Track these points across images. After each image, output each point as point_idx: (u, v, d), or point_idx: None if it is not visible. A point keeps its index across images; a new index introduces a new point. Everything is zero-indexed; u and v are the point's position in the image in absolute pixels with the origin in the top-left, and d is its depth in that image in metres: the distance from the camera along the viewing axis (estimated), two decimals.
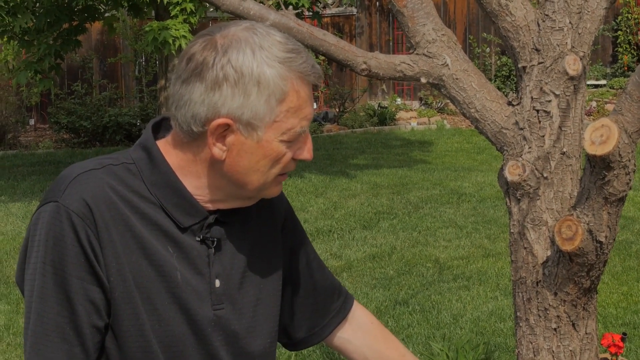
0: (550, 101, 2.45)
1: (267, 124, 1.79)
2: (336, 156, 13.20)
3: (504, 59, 17.28)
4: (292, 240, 2.09)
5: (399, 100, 17.44)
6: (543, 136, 2.45)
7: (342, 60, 2.53)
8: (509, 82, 17.08)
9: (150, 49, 10.56)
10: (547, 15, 2.46)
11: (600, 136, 2.01)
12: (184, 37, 10.37)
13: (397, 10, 2.57)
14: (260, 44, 1.78)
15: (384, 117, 16.32)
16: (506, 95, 2.55)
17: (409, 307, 6.60)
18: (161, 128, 1.93)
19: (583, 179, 2.18)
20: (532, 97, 2.47)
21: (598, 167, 2.09)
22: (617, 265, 7.48)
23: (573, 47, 2.45)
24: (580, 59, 2.44)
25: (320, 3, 13.71)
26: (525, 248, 2.50)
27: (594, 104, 15.47)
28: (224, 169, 1.83)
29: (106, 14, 12.37)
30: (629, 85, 2.04)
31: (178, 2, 10.67)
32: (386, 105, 17.06)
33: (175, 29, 10.39)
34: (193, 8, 10.62)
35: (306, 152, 1.86)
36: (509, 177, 2.47)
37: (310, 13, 12.19)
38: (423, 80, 2.55)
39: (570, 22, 2.44)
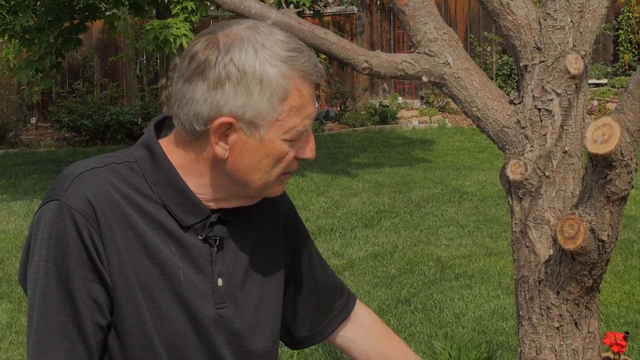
0: (552, 100, 2.44)
1: (269, 123, 1.79)
2: (337, 155, 13.21)
3: (505, 57, 17.29)
4: (295, 239, 2.09)
5: (400, 99, 17.44)
6: (545, 135, 2.45)
7: (344, 59, 2.53)
8: (510, 81, 17.09)
9: (151, 48, 10.57)
10: (548, 14, 2.46)
11: (602, 135, 2.01)
12: (185, 35, 10.38)
13: (399, 9, 2.56)
14: (262, 43, 1.78)
15: (385, 116, 16.33)
16: (507, 94, 2.55)
17: (411, 305, 6.60)
18: (163, 127, 1.93)
19: (585, 178, 2.18)
20: (533, 96, 2.46)
21: (600, 166, 2.09)
22: (619, 264, 7.48)
23: (574, 45, 2.44)
24: (582, 57, 2.44)
25: (322, 2, 13.71)
26: (527, 247, 2.50)
27: (595, 102, 15.47)
28: (227, 168, 1.83)
29: (107, 13, 12.37)
30: (631, 84, 2.04)
31: (179, 0, 10.68)
32: (387, 104, 17.06)
33: (176, 28, 10.39)
34: (194, 7, 10.62)
35: (309, 151, 1.86)
36: (511, 176, 2.47)
37: (311, 12, 12.19)
38: (424, 79, 2.54)
39: (571, 21, 2.44)
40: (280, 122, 1.79)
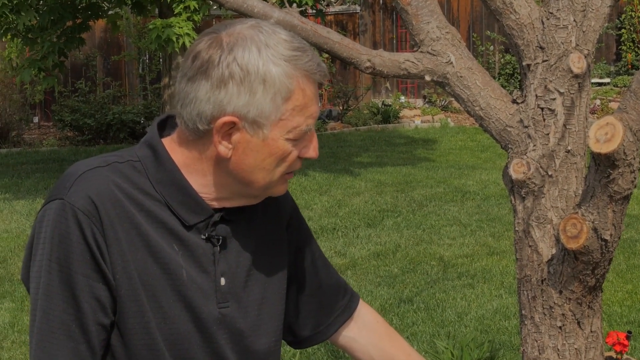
0: (554, 99, 2.44)
1: (272, 122, 1.79)
2: (340, 154, 13.21)
3: (508, 57, 17.28)
4: (298, 239, 2.09)
5: (402, 98, 17.44)
6: (548, 134, 2.45)
7: (346, 58, 2.53)
8: (512, 80, 17.08)
9: (153, 47, 10.57)
10: (551, 13, 2.46)
11: (605, 134, 2.01)
12: (188, 34, 10.38)
13: (401, 8, 2.56)
14: (266, 42, 1.78)
15: (387, 115, 16.33)
16: (510, 93, 2.55)
17: (413, 305, 6.60)
18: (167, 126, 1.93)
19: (588, 177, 2.18)
20: (536, 95, 2.46)
21: (603, 165, 2.09)
22: (622, 263, 7.47)
23: (577, 45, 2.44)
24: (585, 56, 2.44)
25: (324, 1, 13.71)
26: (530, 246, 2.50)
27: (597, 102, 15.47)
28: (230, 167, 1.83)
29: (110, 12, 12.38)
30: (634, 83, 2.04)
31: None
32: (390, 103, 17.06)
33: (179, 27, 10.40)
34: (196, 6, 10.62)
35: (312, 151, 1.86)
36: (514, 175, 2.47)
37: (314, 11, 12.19)
38: (427, 78, 2.54)
39: (574, 20, 2.44)
40: (284, 121, 1.79)
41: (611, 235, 2.22)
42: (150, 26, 10.65)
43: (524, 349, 2.56)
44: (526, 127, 2.47)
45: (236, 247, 1.91)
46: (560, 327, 2.47)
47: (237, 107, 1.77)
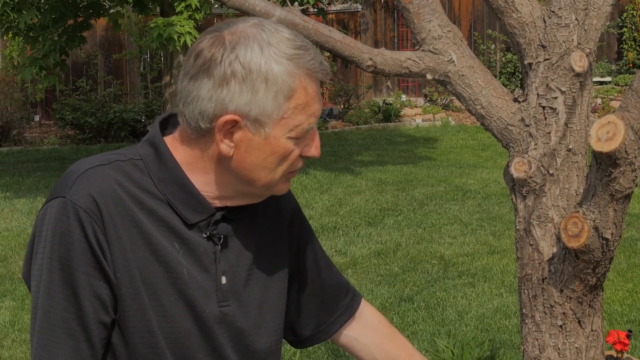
0: (556, 98, 2.44)
1: (274, 121, 1.79)
2: (341, 153, 13.21)
3: (509, 55, 17.28)
4: (299, 238, 2.09)
5: (403, 97, 17.45)
6: (549, 133, 2.45)
7: (348, 56, 2.53)
8: (514, 79, 17.08)
9: (155, 45, 10.57)
10: (553, 11, 2.46)
11: (607, 133, 2.01)
12: (189, 33, 10.38)
13: (403, 7, 2.56)
14: (268, 41, 1.78)
15: (388, 114, 16.33)
16: (511, 92, 2.55)
17: (414, 303, 6.60)
18: (169, 124, 1.93)
19: (589, 176, 2.18)
20: (538, 94, 2.46)
21: (604, 164, 2.09)
22: (623, 262, 7.47)
23: (579, 43, 2.44)
24: (587, 55, 2.44)
25: None
26: (531, 245, 2.50)
27: (599, 100, 15.46)
28: (232, 166, 1.83)
29: (111, 10, 12.39)
30: (636, 82, 2.04)
31: None
32: (391, 101, 17.07)
33: (180, 26, 10.40)
34: (198, 4, 10.63)
35: (314, 149, 1.86)
36: (515, 174, 2.47)
37: (316, 9, 12.19)
38: (429, 76, 2.54)
39: (576, 19, 2.44)
40: (286, 119, 1.79)
41: (612, 234, 2.22)
42: (152, 24, 10.66)
43: (524, 348, 2.56)
44: (527, 125, 2.47)
45: (237, 246, 1.91)
46: (561, 326, 2.47)
47: (239, 105, 1.77)
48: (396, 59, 2.54)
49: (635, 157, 2.06)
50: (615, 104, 15.23)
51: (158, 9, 12.32)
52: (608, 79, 17.29)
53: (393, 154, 13.04)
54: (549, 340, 2.50)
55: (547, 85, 2.45)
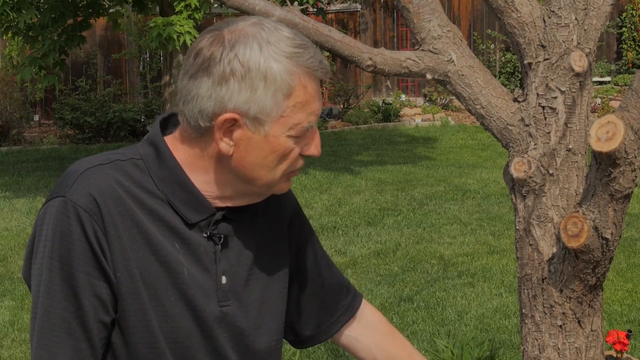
0: (556, 97, 2.44)
1: (274, 119, 1.79)
2: (340, 152, 13.21)
3: (509, 55, 17.28)
4: (300, 238, 2.08)
5: (403, 97, 17.45)
6: (549, 133, 2.45)
7: (348, 56, 2.53)
8: (513, 79, 17.09)
9: (154, 45, 10.57)
10: (553, 11, 2.46)
11: (606, 133, 2.00)
12: (189, 33, 10.38)
13: (403, 7, 2.56)
14: (267, 39, 1.78)
15: (388, 114, 16.33)
16: (511, 92, 2.55)
17: (413, 303, 6.60)
18: (169, 124, 1.93)
19: (589, 176, 2.18)
20: (537, 94, 2.46)
21: (604, 163, 2.09)
22: (622, 262, 7.47)
23: (579, 43, 2.44)
24: (586, 55, 2.44)
25: None
26: (530, 245, 2.50)
27: (598, 100, 15.46)
28: (232, 165, 1.83)
29: (110, 10, 12.38)
30: (635, 82, 2.04)
31: None
32: (390, 101, 17.07)
33: (180, 25, 10.39)
34: (197, 4, 10.62)
35: (314, 148, 1.85)
36: (515, 174, 2.47)
37: (315, 9, 12.19)
38: (429, 76, 2.54)
39: (576, 19, 2.44)
40: (285, 118, 1.79)
41: (612, 234, 2.22)
42: (151, 24, 10.65)
43: (524, 348, 2.56)
44: (527, 125, 2.47)
45: (238, 246, 1.91)
46: (560, 326, 2.47)
47: (238, 103, 1.77)
48: (396, 58, 2.54)
49: (635, 157, 2.06)
50: (614, 103, 15.23)
51: (157, 9, 12.32)
52: (607, 78, 17.29)
53: (392, 154, 13.04)
54: (549, 340, 2.50)
55: (547, 85, 2.45)
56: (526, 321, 2.54)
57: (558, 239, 2.42)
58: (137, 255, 1.80)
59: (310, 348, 5.57)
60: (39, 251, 1.78)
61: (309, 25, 2.52)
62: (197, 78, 1.79)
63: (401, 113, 16.70)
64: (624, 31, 17.64)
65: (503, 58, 17.56)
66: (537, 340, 2.52)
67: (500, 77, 17.19)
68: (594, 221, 2.21)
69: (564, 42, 2.44)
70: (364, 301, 2.22)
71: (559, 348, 2.49)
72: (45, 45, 11.09)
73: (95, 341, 1.79)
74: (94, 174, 1.81)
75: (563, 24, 2.44)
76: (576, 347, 2.49)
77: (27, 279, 1.84)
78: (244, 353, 1.93)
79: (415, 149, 13.52)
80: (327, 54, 2.54)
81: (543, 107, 2.45)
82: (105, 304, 1.79)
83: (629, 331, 4.63)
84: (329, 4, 16.82)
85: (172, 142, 1.87)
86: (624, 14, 17.66)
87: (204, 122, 1.80)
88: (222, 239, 1.88)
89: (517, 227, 2.53)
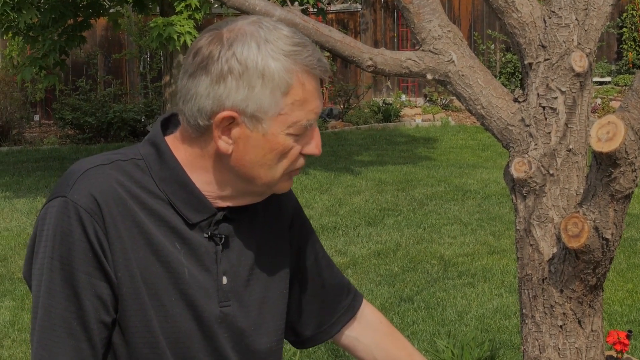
0: (556, 98, 2.44)
1: (272, 117, 1.78)
2: (341, 153, 13.21)
3: (509, 55, 17.28)
4: (300, 238, 2.08)
5: (403, 97, 17.45)
6: (549, 133, 2.45)
7: (348, 56, 2.53)
8: (513, 79, 17.09)
9: (155, 45, 10.57)
10: (553, 11, 2.46)
11: (607, 133, 2.00)
12: (189, 33, 10.38)
13: (403, 7, 2.56)
14: (265, 38, 1.78)
15: (388, 114, 16.33)
16: (511, 92, 2.55)
17: (413, 304, 6.60)
18: (170, 124, 1.93)
19: (589, 176, 2.18)
20: (538, 94, 2.46)
21: (604, 164, 2.09)
22: (623, 262, 7.47)
23: (579, 43, 2.44)
24: (587, 55, 2.44)
25: None
26: (531, 245, 2.50)
27: (598, 101, 15.46)
28: (231, 163, 1.83)
29: (111, 10, 12.39)
30: (636, 82, 2.04)
31: None
32: (391, 101, 17.07)
33: (180, 25, 10.40)
34: (198, 4, 10.62)
35: (314, 147, 1.85)
36: (515, 174, 2.47)
37: (315, 9, 12.19)
38: (429, 76, 2.54)
39: (576, 19, 2.44)
40: (283, 116, 1.79)
41: (612, 234, 2.22)
42: (152, 24, 10.66)
43: (524, 348, 2.56)
44: (528, 125, 2.47)
45: (238, 246, 1.91)
46: (561, 326, 2.47)
47: (235, 101, 1.77)
48: (396, 58, 2.54)
49: (636, 157, 2.06)
50: (615, 104, 15.23)
51: (158, 9, 12.32)
52: (608, 79, 17.29)
53: (393, 154, 13.04)
54: (549, 341, 2.50)
55: (547, 85, 2.45)
56: (526, 321, 2.54)
57: (558, 239, 2.42)
58: (137, 255, 1.80)
59: (310, 348, 5.57)
60: (39, 251, 1.78)
61: (310, 25, 2.52)
62: (195, 77, 1.79)
63: (401, 113, 16.70)
64: (625, 31, 17.64)
65: (503, 58, 17.56)
66: (537, 340, 2.52)
67: (500, 78, 17.19)
68: (594, 221, 2.21)
69: (565, 42, 2.44)
70: (364, 301, 2.22)
71: (559, 348, 2.49)
72: (46, 46, 11.09)
73: (96, 341, 1.79)
74: (95, 174, 1.81)
75: (563, 24, 2.44)
76: (576, 348, 2.49)
77: (27, 279, 1.84)
78: (244, 353, 1.93)
79: (415, 149, 13.52)
80: (328, 54, 2.54)
81: (543, 108, 2.45)
82: (105, 304, 1.79)
83: (629, 331, 4.63)
84: (329, 4, 16.83)
85: (173, 142, 1.88)
86: (625, 14, 17.66)
87: (202, 121, 1.80)
88: (223, 239, 1.88)
89: (518, 228, 2.53)
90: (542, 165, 2.46)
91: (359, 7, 18.01)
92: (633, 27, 17.56)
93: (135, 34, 15.69)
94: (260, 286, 1.95)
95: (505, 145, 2.54)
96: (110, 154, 1.88)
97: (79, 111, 14.99)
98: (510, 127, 2.50)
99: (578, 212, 2.23)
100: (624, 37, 17.68)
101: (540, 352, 2.52)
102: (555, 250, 2.45)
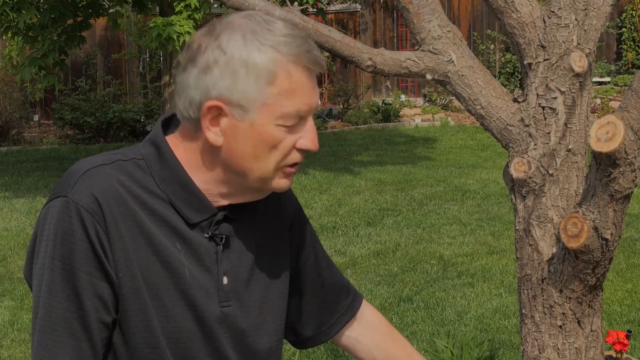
0: (555, 98, 2.44)
1: (258, 106, 1.78)
2: (340, 153, 13.21)
3: (508, 55, 17.28)
4: (300, 238, 2.08)
5: (403, 97, 17.45)
6: (549, 133, 2.45)
7: (348, 56, 2.53)
8: (513, 79, 17.09)
9: (154, 45, 10.57)
10: (553, 11, 2.46)
11: (606, 133, 2.01)
12: (188, 33, 10.38)
13: (403, 7, 2.56)
14: (253, 29, 1.78)
15: (388, 114, 16.33)
16: (511, 92, 2.55)
17: (413, 304, 6.60)
18: (171, 124, 1.93)
19: (589, 176, 2.18)
20: (537, 94, 2.46)
21: (604, 164, 2.09)
22: (622, 262, 7.47)
23: (579, 43, 2.44)
24: (586, 55, 2.44)
25: None
26: (530, 245, 2.50)
27: (598, 101, 15.47)
28: (223, 156, 1.82)
29: (110, 10, 12.38)
30: (635, 82, 2.04)
31: None
32: (390, 101, 17.07)
33: (180, 25, 10.39)
34: (197, 4, 10.62)
35: (309, 142, 1.83)
36: (515, 174, 2.47)
37: (315, 9, 12.19)
38: (428, 76, 2.54)
39: (576, 19, 2.44)
40: (271, 106, 1.78)
41: (612, 234, 2.23)
42: (151, 24, 10.65)
43: (524, 348, 2.56)
44: (527, 126, 2.47)
45: (239, 246, 1.91)
46: (560, 326, 2.48)
47: (221, 91, 1.78)
48: (396, 59, 2.54)
49: (635, 158, 2.06)
50: (614, 104, 15.23)
51: (157, 9, 12.32)
52: (607, 79, 17.29)
53: (392, 154, 13.04)
54: (549, 341, 2.50)
55: (547, 85, 2.45)
56: (526, 321, 2.54)
57: (558, 239, 2.43)
58: (138, 255, 1.80)
59: (310, 348, 5.57)
60: (40, 251, 1.78)
61: (309, 25, 2.52)
62: (186, 70, 1.81)
63: (401, 113, 16.70)
64: (624, 31, 17.64)
65: (503, 58, 17.55)
66: (536, 340, 2.52)
67: (500, 78, 17.19)
68: (593, 221, 2.21)
69: (564, 42, 2.44)
70: (364, 302, 2.22)
71: (558, 348, 2.49)
72: (45, 46, 11.09)
73: (97, 341, 1.79)
74: (96, 174, 1.81)
75: (563, 25, 2.44)
76: (576, 348, 2.49)
77: (28, 278, 1.84)
78: (244, 353, 1.93)
79: (415, 149, 13.52)
80: (327, 54, 2.54)
81: (543, 108, 2.46)
82: (106, 304, 1.79)
83: (629, 331, 4.63)
84: (328, 4, 16.83)
85: (173, 141, 1.88)
86: (624, 15, 17.66)
87: (193, 113, 1.81)
88: (224, 240, 1.88)
89: (517, 228, 2.54)
90: (542, 165, 2.46)
91: (359, 7, 18.02)
92: (632, 27, 17.56)
93: (135, 34, 15.69)
94: (260, 286, 1.95)
95: (505, 145, 2.54)
96: (110, 153, 1.88)
97: (78, 111, 14.99)
98: (509, 127, 2.50)
99: (577, 212, 2.23)
100: (623, 37, 17.68)
101: (540, 352, 2.52)
102: (554, 250, 2.45)
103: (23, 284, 7.12)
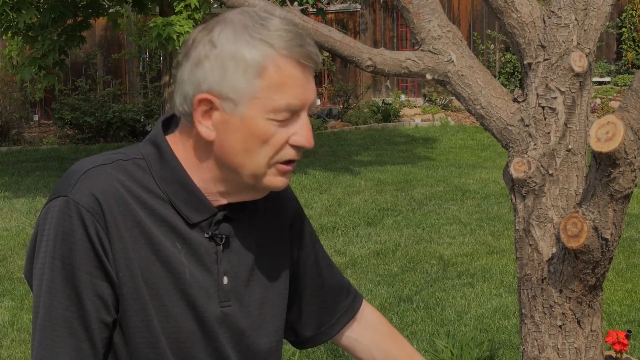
0: (555, 98, 2.44)
1: (248, 100, 1.77)
2: (340, 153, 13.21)
3: (508, 55, 17.29)
4: (301, 238, 2.08)
5: (403, 97, 17.45)
6: (549, 133, 2.45)
7: (348, 56, 2.53)
8: (513, 79, 17.09)
9: (154, 45, 10.57)
10: (552, 11, 2.46)
11: (606, 133, 2.01)
12: (188, 33, 10.37)
13: (403, 7, 2.56)
14: (244, 23, 1.78)
15: (388, 114, 16.34)
16: (511, 92, 2.55)
17: (413, 304, 6.60)
18: (171, 124, 1.93)
19: (588, 176, 2.18)
20: (537, 94, 2.46)
21: (604, 164, 2.09)
22: (622, 262, 7.48)
23: (579, 43, 2.44)
24: (586, 55, 2.44)
25: None
26: (530, 245, 2.50)
27: (598, 101, 15.47)
28: (215, 152, 1.82)
29: (110, 10, 12.38)
30: (635, 82, 2.04)
31: None
32: (390, 101, 17.07)
33: (180, 25, 10.40)
34: (197, 4, 10.62)
35: (303, 139, 1.81)
36: (515, 174, 2.47)
37: (315, 9, 12.19)
38: (428, 76, 2.54)
39: (576, 19, 2.44)
40: (261, 100, 1.77)
41: (612, 234, 2.23)
42: (151, 24, 10.65)
43: (523, 348, 2.56)
44: (527, 125, 2.47)
45: (239, 246, 1.91)
46: (560, 326, 2.48)
47: (211, 84, 1.78)
48: (396, 59, 2.54)
49: (635, 157, 2.06)
50: (614, 104, 15.23)
51: (157, 9, 12.33)
52: (607, 79, 17.30)
53: (392, 154, 13.04)
54: (549, 341, 2.50)
55: (547, 85, 2.45)
56: (526, 321, 2.54)
57: (558, 239, 2.43)
58: (138, 255, 1.80)
59: (310, 348, 5.57)
60: (40, 251, 1.78)
61: (309, 25, 2.52)
62: (182, 65, 1.83)
63: (401, 113, 16.70)
64: (624, 31, 17.64)
65: (503, 58, 17.56)
66: (536, 340, 2.52)
67: (500, 78, 17.19)
68: (593, 221, 2.21)
69: (564, 42, 2.44)
70: (364, 302, 2.21)
71: (558, 348, 2.49)
72: (45, 46, 11.09)
73: (97, 341, 1.79)
74: (97, 174, 1.81)
75: (563, 24, 2.44)
76: (576, 348, 2.49)
77: (28, 278, 1.84)
78: (244, 353, 1.93)
79: (414, 149, 13.52)
80: (327, 54, 2.54)
81: (543, 108, 2.46)
82: (107, 304, 1.79)
83: (629, 331, 4.63)
84: (328, 4, 16.83)
85: (174, 141, 1.88)
86: (624, 14, 17.66)
87: (187, 107, 1.81)
88: (224, 240, 1.88)
89: (517, 228, 2.54)
90: (542, 165, 2.46)
91: (359, 7, 18.02)
92: (632, 27, 17.57)
93: (135, 34, 15.69)
94: (260, 286, 1.95)
95: (505, 145, 2.54)
96: (111, 153, 1.88)
97: (78, 111, 14.99)
98: (509, 127, 2.50)
99: (577, 212, 2.23)
100: (623, 37, 17.69)
101: (540, 352, 2.52)
102: (554, 250, 2.45)
103: (23, 284, 7.12)
